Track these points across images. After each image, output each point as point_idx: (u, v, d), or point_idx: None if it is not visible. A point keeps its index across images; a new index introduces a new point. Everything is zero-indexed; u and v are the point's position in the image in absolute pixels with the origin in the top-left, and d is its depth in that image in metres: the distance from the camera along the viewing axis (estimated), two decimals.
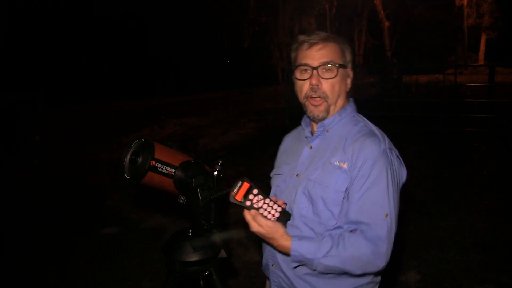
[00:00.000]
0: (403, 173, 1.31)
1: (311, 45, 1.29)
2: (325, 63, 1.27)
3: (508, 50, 19.82)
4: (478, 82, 11.81)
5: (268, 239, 1.19)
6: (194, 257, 1.21)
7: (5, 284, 3.38)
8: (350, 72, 1.36)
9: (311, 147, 1.36)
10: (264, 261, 1.42)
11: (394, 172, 1.24)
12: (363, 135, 1.26)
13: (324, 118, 1.32)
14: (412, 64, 15.15)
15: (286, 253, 1.20)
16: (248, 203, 1.12)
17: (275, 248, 1.23)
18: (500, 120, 7.58)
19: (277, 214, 1.17)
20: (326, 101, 1.30)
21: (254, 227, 1.16)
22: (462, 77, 14.45)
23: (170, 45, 22.95)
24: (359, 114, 1.38)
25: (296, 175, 1.34)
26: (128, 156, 1.14)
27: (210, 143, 8.28)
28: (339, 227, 1.23)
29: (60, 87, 18.11)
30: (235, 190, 1.10)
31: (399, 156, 1.29)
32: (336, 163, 1.24)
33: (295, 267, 1.25)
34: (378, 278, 1.33)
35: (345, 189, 1.21)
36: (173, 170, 1.16)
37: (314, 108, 1.31)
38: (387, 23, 22.89)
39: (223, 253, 1.26)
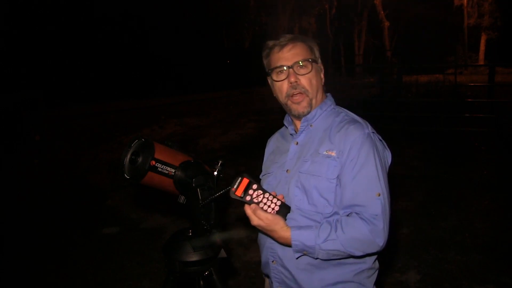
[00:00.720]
0: (388, 156, 1.37)
1: (282, 47, 1.37)
2: (298, 61, 1.35)
3: (508, 50, 19.84)
4: (478, 82, 11.81)
5: (268, 231, 1.23)
6: (194, 257, 1.21)
7: (5, 284, 3.38)
8: (321, 66, 1.44)
9: (297, 143, 1.41)
10: (263, 259, 1.43)
11: (380, 154, 1.30)
12: (347, 123, 1.33)
13: (308, 112, 1.38)
14: (412, 64, 15.15)
15: (287, 244, 1.23)
16: (248, 198, 1.15)
17: (276, 240, 1.26)
18: (500, 120, 7.58)
19: (276, 208, 1.20)
20: (307, 95, 1.36)
21: (255, 220, 1.20)
22: (462, 77, 14.44)
23: (170, 45, 22.95)
24: (339, 106, 1.46)
25: (286, 171, 1.38)
26: (128, 156, 1.14)
27: (210, 143, 8.28)
28: (335, 213, 1.27)
29: (60, 87, 18.11)
30: (235, 186, 1.13)
31: (382, 140, 1.36)
32: (325, 152, 1.30)
33: (298, 258, 1.27)
34: (377, 265, 1.37)
35: (336, 175, 1.26)
36: (173, 170, 1.17)
37: (297, 106, 1.37)
38: (387, 23, 22.89)
39: (223, 253, 1.26)
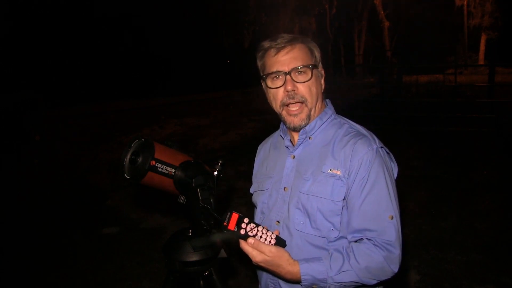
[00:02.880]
0: (394, 170, 1.27)
1: (278, 50, 1.22)
2: (297, 67, 1.20)
3: (508, 50, 19.81)
4: (478, 82, 11.81)
5: (274, 267, 1.09)
6: (194, 257, 1.21)
7: (5, 284, 3.38)
8: (322, 71, 1.29)
9: (293, 157, 1.27)
10: (262, 285, 1.34)
11: (389, 170, 1.19)
12: (352, 137, 1.20)
13: (306, 125, 1.24)
14: (412, 64, 15.16)
15: (295, 279, 1.11)
16: (242, 231, 1.06)
17: (282, 276, 1.12)
18: (500, 120, 7.58)
19: (273, 241, 1.09)
20: (306, 105, 1.22)
21: (257, 256, 1.06)
22: (462, 77, 14.44)
23: (170, 45, 22.96)
24: (340, 116, 1.32)
25: (284, 189, 1.26)
26: (128, 156, 1.14)
27: (210, 143, 8.28)
28: (341, 237, 1.17)
29: (60, 87, 18.13)
30: (225, 221, 1.05)
31: (390, 153, 1.25)
32: (329, 171, 1.17)
33: None
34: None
35: (343, 197, 1.15)
36: (173, 170, 1.16)
37: (294, 118, 1.23)
38: (387, 23, 22.88)
39: (223, 253, 1.26)
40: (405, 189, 4.74)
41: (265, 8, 22.70)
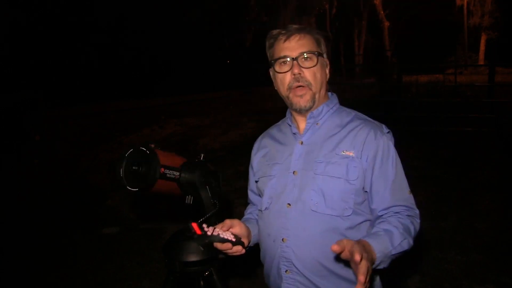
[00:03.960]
0: None
1: (288, 37, 1.30)
2: (303, 53, 1.28)
3: (508, 50, 19.80)
4: (478, 82, 11.80)
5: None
6: (194, 257, 1.21)
7: (5, 284, 3.38)
8: (327, 61, 1.38)
9: (302, 143, 1.33)
10: (269, 272, 1.35)
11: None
12: (364, 122, 1.30)
13: (310, 108, 1.31)
14: (412, 64, 15.16)
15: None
16: (209, 233, 1.17)
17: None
18: (500, 120, 7.58)
19: (232, 237, 1.20)
20: (311, 89, 1.29)
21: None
22: (462, 77, 14.42)
23: (170, 45, 22.96)
24: (343, 107, 1.42)
25: (293, 173, 1.29)
26: (127, 168, 1.14)
27: (210, 143, 8.28)
28: (356, 215, 1.24)
29: (60, 87, 18.12)
30: (192, 231, 1.17)
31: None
32: (342, 152, 1.25)
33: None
34: None
35: (357, 177, 1.23)
36: (178, 173, 1.17)
37: (300, 99, 1.30)
38: (387, 23, 22.87)
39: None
40: None
41: (265, 8, 22.71)
